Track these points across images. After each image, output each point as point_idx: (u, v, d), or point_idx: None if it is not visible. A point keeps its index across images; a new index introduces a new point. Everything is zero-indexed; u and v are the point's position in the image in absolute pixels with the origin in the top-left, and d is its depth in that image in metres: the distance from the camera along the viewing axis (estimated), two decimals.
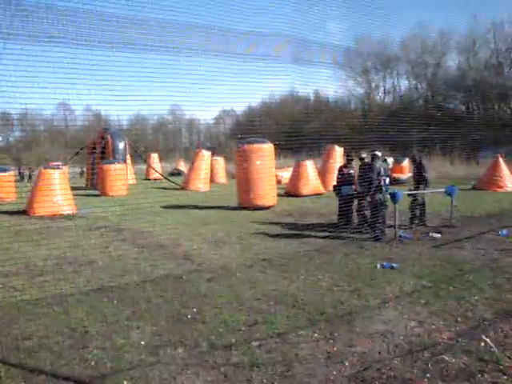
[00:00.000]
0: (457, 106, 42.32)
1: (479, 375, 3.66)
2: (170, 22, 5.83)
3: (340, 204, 10.87)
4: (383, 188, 9.33)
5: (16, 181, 24.46)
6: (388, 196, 9.37)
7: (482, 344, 4.19)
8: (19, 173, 30.84)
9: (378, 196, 9.27)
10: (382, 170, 9.47)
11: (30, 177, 30.60)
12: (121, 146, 25.17)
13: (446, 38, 40.95)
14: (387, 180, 9.59)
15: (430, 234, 9.45)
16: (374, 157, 9.69)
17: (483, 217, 11.77)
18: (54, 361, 4.08)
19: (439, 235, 9.36)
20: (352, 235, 9.53)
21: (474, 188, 18.69)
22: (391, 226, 9.38)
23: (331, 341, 4.39)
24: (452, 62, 42.49)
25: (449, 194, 10.48)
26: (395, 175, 21.11)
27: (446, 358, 3.94)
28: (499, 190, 17.85)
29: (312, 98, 29.58)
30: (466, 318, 4.90)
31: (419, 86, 43.73)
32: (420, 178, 10.79)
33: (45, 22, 5.19)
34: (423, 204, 10.69)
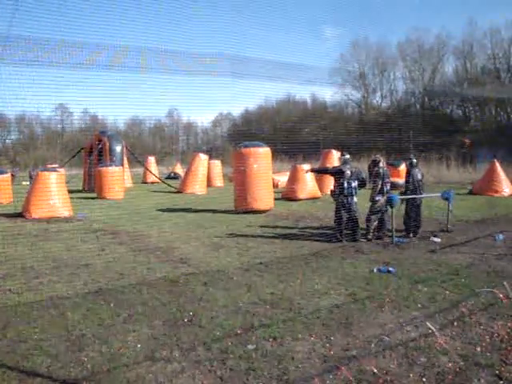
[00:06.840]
0: (453, 111, 42.53)
1: (475, 380, 3.68)
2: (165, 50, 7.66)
3: (337, 208, 10.87)
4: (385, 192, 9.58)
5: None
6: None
7: (478, 349, 4.22)
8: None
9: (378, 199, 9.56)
10: (385, 174, 9.67)
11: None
12: (118, 149, 25.07)
13: (443, 42, 41.22)
14: (388, 185, 9.73)
15: (431, 239, 9.47)
16: (375, 161, 9.80)
17: (479, 221, 11.81)
18: (50, 364, 4.07)
19: (439, 240, 9.38)
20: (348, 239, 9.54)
21: (470, 192, 18.74)
22: (390, 231, 9.42)
23: (327, 344, 4.40)
24: (449, 66, 42.77)
25: (445, 198, 10.50)
26: (392, 179, 21.12)
27: (442, 363, 3.96)
28: (496, 194, 17.88)
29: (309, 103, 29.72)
30: (463, 322, 4.92)
31: (416, 91, 43.89)
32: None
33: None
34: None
